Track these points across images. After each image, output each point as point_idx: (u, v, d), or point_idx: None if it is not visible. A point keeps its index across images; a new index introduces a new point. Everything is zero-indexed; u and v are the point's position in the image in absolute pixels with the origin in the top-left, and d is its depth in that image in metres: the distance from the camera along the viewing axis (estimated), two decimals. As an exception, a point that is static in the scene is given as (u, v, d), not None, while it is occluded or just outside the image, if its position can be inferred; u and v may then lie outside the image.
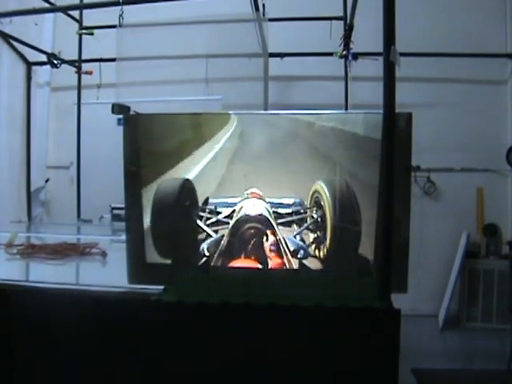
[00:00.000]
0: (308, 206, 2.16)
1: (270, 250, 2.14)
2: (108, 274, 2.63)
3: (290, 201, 2.20)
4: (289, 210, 2.21)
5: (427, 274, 5.23)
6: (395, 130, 1.85)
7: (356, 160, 2.10)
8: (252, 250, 2.13)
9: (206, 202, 2.20)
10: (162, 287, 2.06)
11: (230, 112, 2.23)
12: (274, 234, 2.15)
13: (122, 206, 2.31)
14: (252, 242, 2.14)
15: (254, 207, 2.15)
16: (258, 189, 2.16)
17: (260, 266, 2.11)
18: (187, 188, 2.17)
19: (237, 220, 2.16)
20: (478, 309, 5.26)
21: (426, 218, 5.28)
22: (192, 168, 2.18)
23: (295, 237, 2.16)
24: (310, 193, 2.13)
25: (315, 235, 2.16)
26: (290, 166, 2.16)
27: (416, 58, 5.00)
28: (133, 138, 2.19)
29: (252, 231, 2.15)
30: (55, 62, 5.24)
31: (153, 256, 2.20)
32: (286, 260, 2.12)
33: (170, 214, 2.17)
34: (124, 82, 5.18)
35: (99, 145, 5.39)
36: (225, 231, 2.17)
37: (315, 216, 2.15)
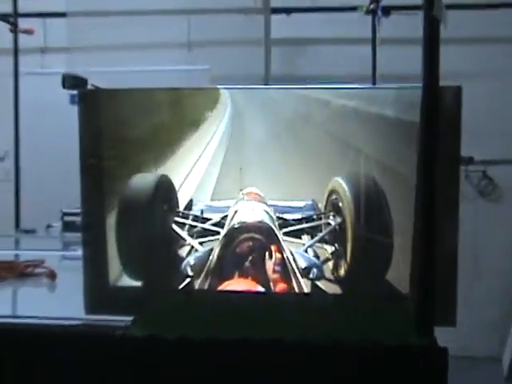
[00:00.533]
0: (323, 210, 2.19)
1: (274, 271, 2.17)
2: (58, 301, 2.64)
3: (300, 204, 2.23)
4: (298, 216, 2.24)
5: (484, 301, 5.23)
6: (439, 108, 1.87)
7: (386, 149, 2.13)
8: (250, 269, 2.16)
9: (189, 205, 2.23)
10: (130, 318, 2.08)
11: (220, 86, 2.25)
12: (279, 249, 2.18)
13: (78, 211, 2.35)
14: (250, 258, 2.17)
15: (252, 212, 2.18)
16: (257, 188, 2.19)
17: (260, 289, 2.14)
18: (165, 187, 2.20)
19: (230, 229, 2.19)
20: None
21: (481, 226, 5.26)
22: (171, 161, 2.21)
23: (306, 251, 2.19)
24: (326, 193, 2.17)
25: (332, 249, 2.19)
26: (299, 158, 2.19)
27: (469, 11, 4.99)
28: (92, 120, 2.21)
29: (250, 243, 2.18)
30: (-21, 15, 5.20)
31: (119, 277, 2.23)
32: (294, 282, 2.15)
33: (142, 222, 2.20)
34: (78, 45, 5.21)
35: (45, 129, 5.41)
36: (214, 243, 2.21)
37: (332, 223, 2.18)
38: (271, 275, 2.17)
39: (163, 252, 2.22)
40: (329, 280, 2.17)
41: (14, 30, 5.41)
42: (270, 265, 2.17)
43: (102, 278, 2.22)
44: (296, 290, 2.14)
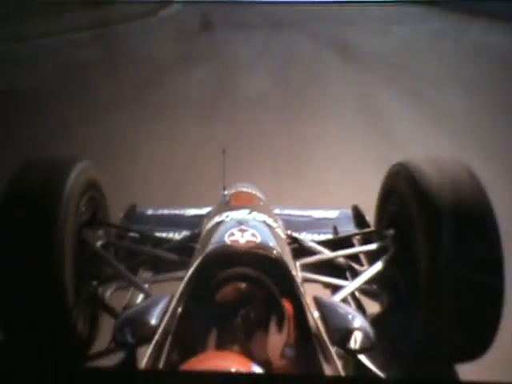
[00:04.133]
0: (375, 224, 2.14)
1: (282, 338, 2.06)
2: None
3: (331, 214, 2.18)
4: (329, 236, 2.18)
5: None
6: None
7: (488, 114, 2.07)
8: (238, 334, 2.05)
9: (128, 212, 2.18)
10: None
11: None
12: (292, 297, 2.08)
13: None
14: (240, 314, 2.06)
15: (243, 228, 2.10)
16: (252, 184, 2.13)
17: (257, 370, 2.03)
18: (85, 181, 2.13)
19: (204, 258, 2.09)
20: None
21: None
22: (93, 133, 2.15)
23: (345, 300, 2.12)
24: (381, 192, 2.12)
25: (392, 296, 2.14)
26: (326, 127, 2.13)
27: None
28: None
29: (240, 286, 2.07)
30: None
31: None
32: (320, 356, 2.06)
33: (44, 243, 2.11)
34: None
35: None
36: (176, 285, 2.12)
37: (392, 250, 2.13)
38: (277, 344, 2.07)
39: (78, 295, 2.15)
40: (383, 353, 2.12)
41: None
42: (275, 324, 2.07)
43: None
44: (323, 370, 2.05)
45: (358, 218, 2.18)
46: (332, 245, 2.19)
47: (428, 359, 2.12)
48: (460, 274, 1.96)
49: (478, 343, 2.06)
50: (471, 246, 1.96)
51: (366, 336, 2.00)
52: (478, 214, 1.94)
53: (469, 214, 1.95)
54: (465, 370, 2.13)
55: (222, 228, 2.10)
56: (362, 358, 2.09)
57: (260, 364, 1.90)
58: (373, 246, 2.14)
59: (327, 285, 2.15)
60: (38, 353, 2.17)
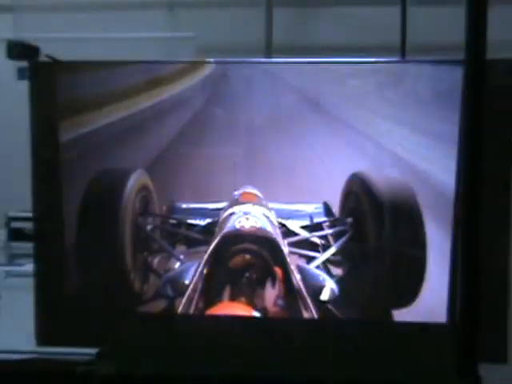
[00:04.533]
0: (338, 215, 2.19)
1: (275, 292, 2.15)
2: (3, 330, 2.64)
3: (309, 207, 2.23)
4: (306, 222, 2.24)
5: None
6: (486, 87, 1.86)
7: (418, 140, 2.13)
8: (245, 289, 2.14)
9: (169, 207, 2.23)
10: (93, 351, 2.08)
11: (210, 60, 2.26)
12: (282, 263, 2.16)
13: (29, 215, 2.34)
14: (245, 275, 2.15)
15: (248, 217, 2.18)
16: (255, 187, 2.19)
17: (257, 315, 2.12)
18: (139, 185, 2.19)
19: (221, 238, 2.17)
20: None
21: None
22: (147, 152, 2.21)
23: (318, 267, 2.19)
24: (342, 194, 2.17)
25: (350, 264, 2.20)
26: (307, 150, 2.19)
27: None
28: (46, 101, 2.21)
29: (245, 257, 2.16)
30: None
31: (79, 298, 2.23)
32: (300, 305, 2.13)
33: (111, 229, 2.19)
34: (28, 3, 5.20)
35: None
36: (201, 256, 2.20)
37: (350, 232, 2.19)
38: (271, 301, 2.15)
39: (137, 267, 2.21)
40: (344, 303, 2.17)
41: None
42: (270, 287, 2.15)
43: (59, 299, 2.22)
44: (303, 315, 2.13)
45: (327, 210, 2.22)
46: (308, 229, 2.24)
47: (374, 306, 2.15)
48: (395, 247, 2.02)
49: (408, 295, 2.09)
50: (402, 228, 2.02)
51: (332, 291, 2.08)
52: (407, 206, 2.01)
53: (401, 207, 2.02)
54: (398, 314, 2.15)
55: (233, 217, 2.18)
56: (329, 305, 2.14)
57: (259, 311, 2.07)
58: (337, 230, 2.19)
59: (305, 256, 2.20)
60: (107, 299, 2.20)
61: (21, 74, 4.80)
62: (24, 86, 2.22)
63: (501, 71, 2.00)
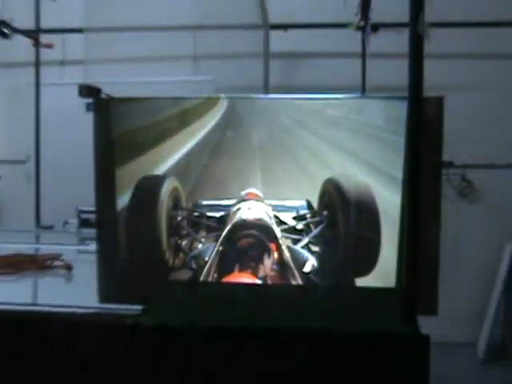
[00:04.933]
0: (317, 209, 2.18)
1: (271, 265, 2.16)
2: (74, 291, 2.63)
3: (295, 203, 2.22)
4: (293, 215, 2.23)
5: (463, 292, 5.22)
6: (423, 117, 1.87)
7: (375, 154, 2.13)
8: (249, 263, 2.16)
9: (193, 204, 2.23)
10: (139, 307, 2.08)
11: (223, 96, 2.25)
12: (276, 244, 2.17)
13: (92, 208, 2.34)
14: (249, 253, 2.16)
15: (251, 211, 2.18)
16: (256, 189, 2.19)
17: (259, 282, 2.14)
18: (171, 188, 2.20)
19: (231, 226, 2.18)
20: (529, 337, 5.21)
21: (461, 224, 5.25)
22: (178, 164, 2.20)
23: (303, 246, 2.19)
24: (319, 193, 2.16)
25: (325, 244, 2.19)
26: (294, 162, 2.19)
27: (450, 29, 4.98)
28: (105, 126, 2.21)
29: (249, 240, 2.17)
30: (5, 31, 5.20)
31: (129, 270, 2.23)
32: (289, 275, 2.14)
33: (151, 219, 2.20)
34: (94, 58, 5.20)
35: (63, 135, 5.40)
36: (216, 240, 2.20)
37: (325, 222, 2.18)
38: (269, 269, 2.17)
39: (170, 247, 2.21)
40: (321, 273, 2.17)
41: (36, 44, 5.40)
42: (267, 259, 2.17)
43: (115, 270, 2.22)
44: (291, 282, 2.14)
45: (309, 205, 2.21)
46: (295, 219, 2.23)
47: (342, 275, 2.14)
48: (358, 231, 2.01)
49: (367, 267, 2.09)
50: (363, 218, 2.01)
51: (312, 264, 2.07)
52: (367, 202, 2.01)
53: (362, 202, 2.02)
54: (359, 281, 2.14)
55: (240, 211, 2.18)
56: (311, 275, 2.13)
57: (260, 279, 2.09)
58: (316, 219, 2.18)
59: (293, 239, 2.19)
60: (149, 270, 2.19)
61: (88, 107, 4.81)
62: (90, 116, 2.22)
63: (431, 105, 2.01)
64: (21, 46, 5.43)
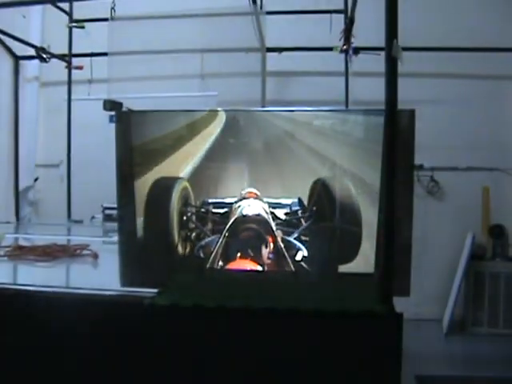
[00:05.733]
0: (307, 206, 2.17)
1: (268, 258, 2.15)
2: (99, 276, 2.63)
3: (288, 201, 2.21)
4: (287, 210, 2.22)
5: (430, 276, 5.23)
6: (397, 127, 1.85)
7: (356, 159, 2.11)
8: (249, 252, 2.14)
9: (201, 201, 2.21)
10: (155, 290, 2.06)
11: (225, 109, 2.24)
12: (273, 236, 2.16)
13: (115, 205, 2.33)
14: (250, 244, 2.15)
15: (251, 207, 2.16)
16: (255, 188, 2.17)
17: (258, 268, 2.12)
18: (182, 187, 2.18)
19: (234, 220, 2.17)
20: (484, 313, 5.24)
21: (429, 218, 5.26)
22: (187, 167, 2.19)
23: (296, 238, 2.17)
24: (310, 192, 2.15)
25: (314, 236, 2.17)
26: (287, 166, 2.17)
27: (419, 52, 4.99)
28: (125, 135, 2.20)
29: (249, 232, 2.16)
30: (44, 56, 5.22)
31: (146, 258, 2.21)
32: (284, 262, 2.13)
33: (164, 214, 2.18)
34: (116, 77, 5.18)
35: (90, 142, 5.40)
36: (221, 232, 2.18)
37: (314, 216, 2.16)
38: (266, 257, 2.16)
39: (181, 238, 2.20)
40: (310, 261, 2.15)
41: (68, 66, 5.44)
42: (265, 249, 2.15)
43: (134, 258, 2.21)
44: (285, 268, 2.13)
45: (301, 202, 2.20)
46: (289, 214, 2.21)
47: (328, 262, 2.12)
48: (342, 225, 1.99)
49: (350, 256, 2.07)
50: (347, 213, 1.99)
51: (303, 253, 2.05)
52: (349, 200, 1.98)
53: (346, 200, 1.99)
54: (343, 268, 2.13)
55: (241, 208, 2.16)
56: (302, 263, 2.12)
57: (260, 265, 1.99)
58: (306, 215, 2.17)
59: (286, 232, 2.17)
60: (162, 258, 2.18)
61: (111, 119, 4.78)
62: (113, 126, 2.21)
63: (404, 116, 2.00)
64: (56, 68, 5.48)
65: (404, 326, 1.82)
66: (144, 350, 1.96)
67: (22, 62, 5.67)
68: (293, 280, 2.15)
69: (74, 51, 5.47)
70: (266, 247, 2.15)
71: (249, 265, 2.13)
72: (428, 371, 4.12)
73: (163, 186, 2.18)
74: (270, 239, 2.16)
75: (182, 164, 2.19)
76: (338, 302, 1.92)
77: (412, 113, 2.03)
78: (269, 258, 2.14)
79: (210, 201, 2.21)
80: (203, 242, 2.18)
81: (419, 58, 5.00)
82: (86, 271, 2.70)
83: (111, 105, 4.38)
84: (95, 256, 2.84)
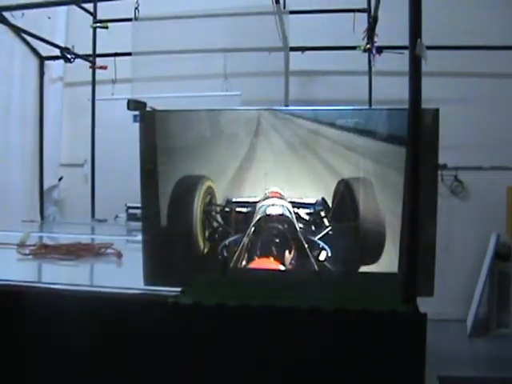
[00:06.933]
0: (331, 205, 2.16)
1: (291, 257, 2.15)
2: (123, 275, 2.64)
3: (312, 200, 2.20)
4: (310, 210, 2.21)
5: (454, 276, 5.20)
6: (421, 126, 1.84)
7: (380, 158, 2.10)
8: (273, 251, 2.14)
9: (225, 200, 2.22)
10: (178, 289, 2.07)
11: (249, 108, 2.24)
12: (296, 236, 2.15)
13: (138, 205, 2.34)
14: (273, 243, 2.15)
15: (274, 207, 2.16)
16: (278, 188, 2.17)
17: (281, 268, 2.12)
18: (206, 186, 2.19)
19: (258, 220, 2.17)
20: (509, 314, 5.21)
21: (453, 218, 5.24)
22: (211, 165, 2.19)
23: (319, 238, 2.16)
24: (333, 192, 2.14)
25: (338, 237, 2.16)
26: (312, 165, 2.17)
27: (443, 51, 4.96)
28: (149, 134, 2.21)
29: (273, 232, 2.15)
30: (69, 56, 5.28)
31: (170, 257, 2.22)
32: (307, 262, 2.12)
33: (188, 213, 2.19)
34: (140, 77, 5.22)
35: (114, 142, 5.44)
36: (244, 232, 2.18)
37: (338, 216, 2.15)
38: (288, 259, 2.15)
39: (204, 237, 2.20)
40: (334, 261, 2.15)
41: (93, 66, 5.49)
42: (288, 248, 2.15)
43: (157, 257, 2.22)
44: (309, 268, 2.12)
45: (324, 202, 2.19)
46: (312, 214, 2.21)
47: (352, 263, 2.12)
48: (366, 225, 1.99)
49: (374, 257, 2.08)
50: (370, 214, 2.01)
51: (327, 254, 2.05)
52: (373, 200, 1.98)
53: (369, 199, 1.99)
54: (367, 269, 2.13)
55: (264, 207, 2.16)
56: (325, 263, 2.12)
57: (283, 264, 2.04)
58: (330, 215, 2.16)
59: (310, 231, 2.18)
60: (186, 258, 2.18)
61: (135, 118, 4.81)
62: (136, 126, 2.22)
63: (428, 116, 1.99)
64: (80, 69, 5.53)
65: (427, 326, 1.81)
66: (168, 349, 1.96)
67: (47, 63, 5.73)
68: (316, 279, 2.14)
69: (98, 51, 5.52)
70: (290, 247, 2.14)
71: (272, 264, 2.13)
72: (451, 372, 4.10)
73: (187, 185, 2.18)
74: (292, 236, 2.16)
75: (206, 163, 2.20)
76: (361, 302, 1.91)
77: (436, 112, 2.02)
78: (292, 257, 2.14)
79: (234, 200, 2.21)
80: (227, 241, 2.18)
81: (444, 56, 4.97)
82: (109, 270, 2.72)
83: (135, 104, 4.41)
84: (119, 255, 2.86)
